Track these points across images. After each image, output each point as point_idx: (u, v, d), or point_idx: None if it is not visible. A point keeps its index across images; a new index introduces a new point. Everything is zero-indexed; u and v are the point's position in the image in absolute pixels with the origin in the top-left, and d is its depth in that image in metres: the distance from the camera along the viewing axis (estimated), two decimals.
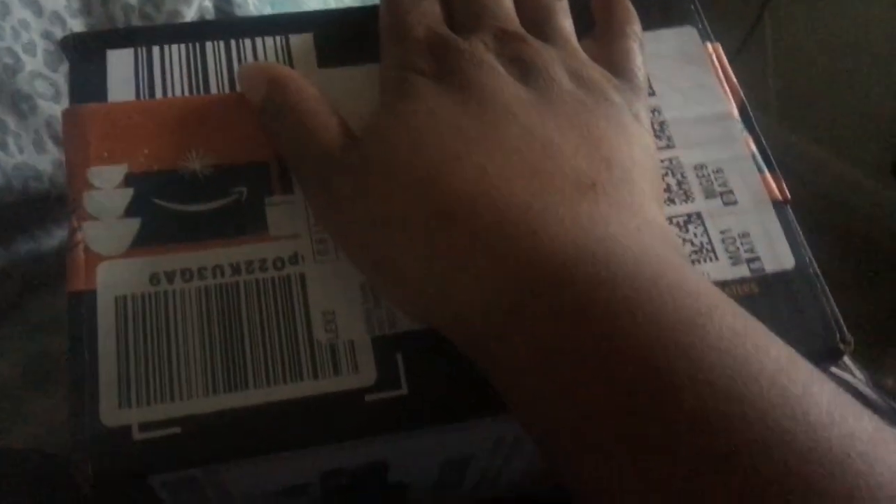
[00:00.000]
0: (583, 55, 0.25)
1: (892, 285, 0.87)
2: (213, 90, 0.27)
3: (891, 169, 0.78)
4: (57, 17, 0.34)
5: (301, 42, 0.28)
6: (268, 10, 0.39)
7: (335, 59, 0.27)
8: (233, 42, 0.28)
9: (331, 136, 0.24)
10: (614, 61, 0.26)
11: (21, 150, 0.34)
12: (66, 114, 0.26)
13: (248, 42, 0.28)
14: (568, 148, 0.22)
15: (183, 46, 0.27)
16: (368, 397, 0.23)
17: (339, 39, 0.28)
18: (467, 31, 0.25)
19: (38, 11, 0.34)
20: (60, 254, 0.36)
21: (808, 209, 0.26)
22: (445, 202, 0.21)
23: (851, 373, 0.44)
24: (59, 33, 0.34)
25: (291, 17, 0.29)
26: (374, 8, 0.28)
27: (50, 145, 0.35)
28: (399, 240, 0.22)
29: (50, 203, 0.35)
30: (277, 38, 0.28)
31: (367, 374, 0.23)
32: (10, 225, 0.35)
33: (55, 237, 0.36)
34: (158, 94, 0.26)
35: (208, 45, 0.27)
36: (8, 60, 0.33)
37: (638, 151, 0.23)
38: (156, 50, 0.27)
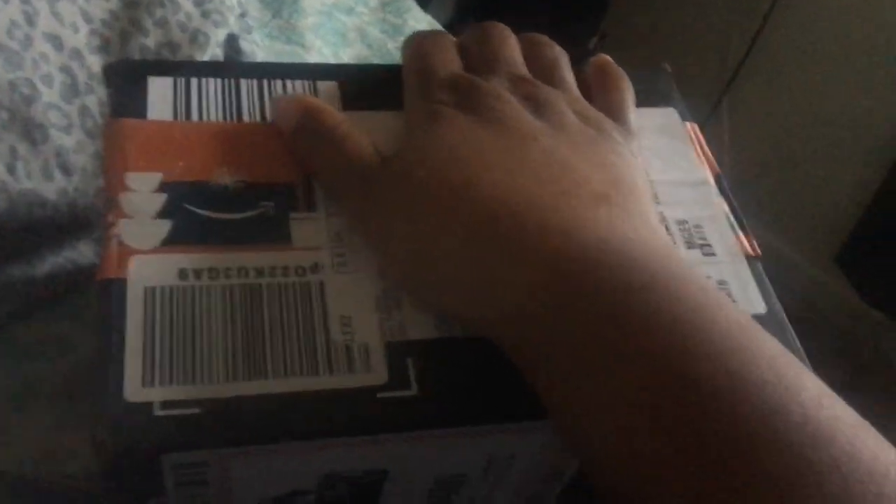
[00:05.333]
0: (584, 100, 0.29)
1: (833, 365, 0.90)
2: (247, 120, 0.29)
3: (834, 258, 0.83)
4: (76, 53, 0.37)
5: (327, 87, 0.31)
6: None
7: (359, 104, 0.30)
8: (265, 81, 0.30)
9: (366, 154, 0.26)
10: (610, 109, 0.29)
11: (29, 177, 0.35)
12: (108, 125, 0.28)
13: (279, 82, 0.30)
14: (582, 168, 0.25)
15: (219, 80, 0.30)
16: (380, 395, 0.24)
17: (362, 88, 0.31)
18: (483, 75, 0.28)
19: (59, 46, 0.37)
20: (51, 280, 0.37)
21: None
22: (481, 206, 0.24)
23: None
24: (77, 68, 0.37)
25: (319, 66, 0.32)
26: (396, 66, 0.31)
27: (58, 174, 0.36)
28: (439, 243, 0.24)
29: (51, 230, 0.36)
30: (305, 82, 0.31)
31: (379, 373, 0.24)
32: (9, 250, 0.36)
33: (48, 263, 0.37)
34: (195, 118, 0.29)
35: (242, 81, 0.30)
36: (25, 90, 0.35)
37: (639, 177, 0.26)
38: (194, 81, 0.29)
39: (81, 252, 0.38)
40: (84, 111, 0.38)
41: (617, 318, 0.21)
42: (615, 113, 0.29)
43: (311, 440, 0.23)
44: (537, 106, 0.27)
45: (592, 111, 0.28)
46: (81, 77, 0.38)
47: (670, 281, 0.22)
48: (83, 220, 0.38)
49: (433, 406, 0.24)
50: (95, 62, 0.39)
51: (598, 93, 0.30)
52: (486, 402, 0.25)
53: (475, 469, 0.27)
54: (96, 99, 0.38)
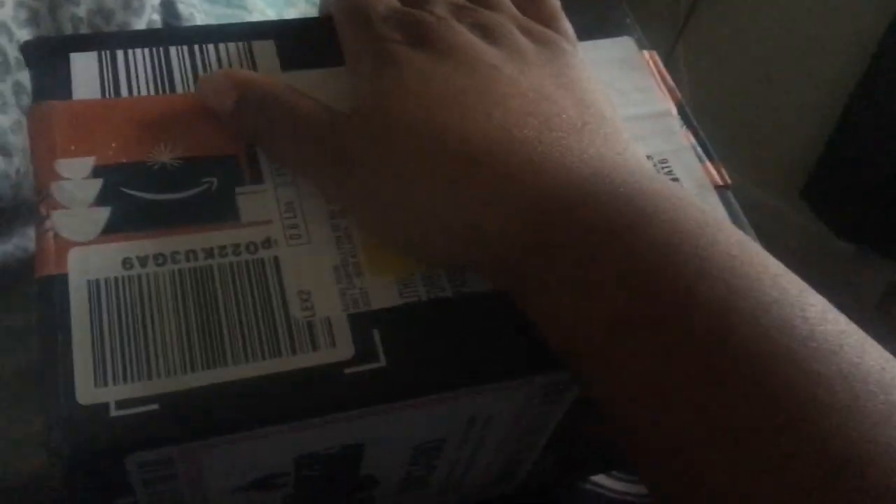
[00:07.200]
0: (522, 15, 0.28)
1: None
2: (179, 91, 0.27)
3: (799, 193, 0.83)
4: (4, 28, 0.35)
5: (263, 47, 0.29)
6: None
7: (298, 62, 0.28)
8: (196, 47, 0.28)
9: (323, 116, 0.25)
10: (544, 18, 0.28)
11: None
12: (32, 110, 0.26)
13: (210, 47, 0.28)
14: (552, 93, 0.24)
15: (147, 50, 0.28)
16: (347, 370, 0.23)
17: (300, 45, 0.29)
18: (422, 7, 0.27)
19: None
20: (0, 270, 0.36)
21: None
22: (464, 149, 0.23)
23: None
24: (5, 43, 0.34)
25: (252, 26, 0.30)
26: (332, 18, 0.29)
27: None
28: (426, 191, 0.23)
29: None
30: (240, 44, 0.29)
31: (344, 348, 0.23)
32: None
33: None
34: (124, 94, 0.27)
35: (172, 49, 0.28)
36: None
37: (601, 94, 0.26)
38: (119, 54, 0.28)
39: (31, 238, 0.36)
40: (18, 88, 0.36)
41: (620, 245, 0.21)
42: (551, 22, 0.28)
43: (279, 425, 0.22)
44: (485, 32, 0.26)
45: (534, 25, 0.27)
46: (11, 52, 0.36)
47: (668, 204, 0.21)
48: (30, 204, 0.36)
49: (403, 377, 0.23)
50: (25, 35, 0.36)
51: (525, 4, 0.29)
52: (456, 367, 0.24)
53: (453, 434, 0.27)
54: None
